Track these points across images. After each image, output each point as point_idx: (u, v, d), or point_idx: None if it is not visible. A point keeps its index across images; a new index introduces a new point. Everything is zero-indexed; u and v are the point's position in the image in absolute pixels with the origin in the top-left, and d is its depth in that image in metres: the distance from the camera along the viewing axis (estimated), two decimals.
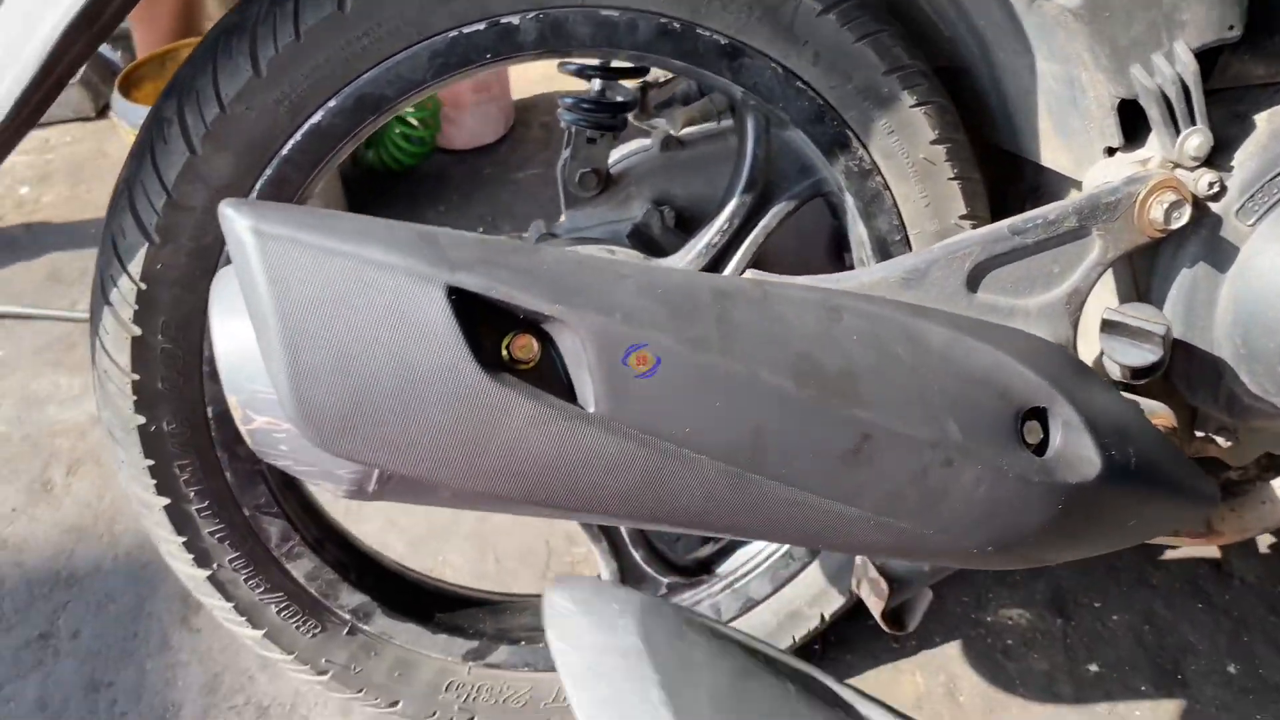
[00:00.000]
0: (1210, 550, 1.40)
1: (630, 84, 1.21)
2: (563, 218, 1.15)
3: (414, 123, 2.18)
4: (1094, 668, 1.26)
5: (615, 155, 1.21)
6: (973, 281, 0.83)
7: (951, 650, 1.29)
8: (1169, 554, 1.40)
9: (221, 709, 1.28)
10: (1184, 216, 0.83)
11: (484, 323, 0.62)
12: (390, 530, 1.49)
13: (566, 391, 0.64)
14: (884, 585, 0.99)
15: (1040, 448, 0.74)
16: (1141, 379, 0.90)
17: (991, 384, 0.72)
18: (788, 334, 0.67)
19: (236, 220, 0.59)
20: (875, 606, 1.00)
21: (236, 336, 0.64)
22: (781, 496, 0.67)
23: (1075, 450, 0.74)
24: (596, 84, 1.13)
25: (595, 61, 1.11)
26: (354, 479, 0.66)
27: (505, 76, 2.36)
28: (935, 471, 0.69)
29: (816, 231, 1.16)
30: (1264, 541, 1.41)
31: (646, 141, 1.21)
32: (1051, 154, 0.98)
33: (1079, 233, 0.84)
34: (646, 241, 1.10)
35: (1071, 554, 0.81)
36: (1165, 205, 0.83)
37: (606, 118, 1.12)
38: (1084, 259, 0.85)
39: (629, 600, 0.49)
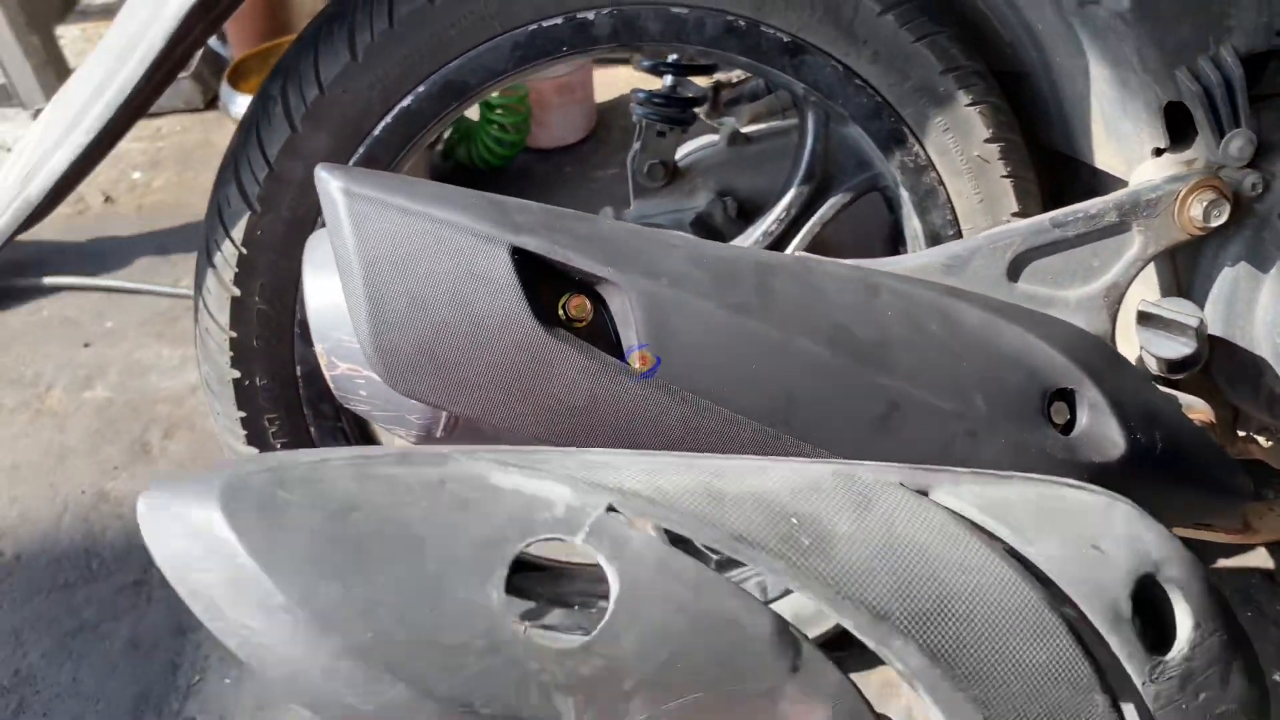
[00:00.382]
0: (1264, 559, 1.40)
1: (702, 82, 1.27)
2: (631, 207, 1.22)
3: (507, 125, 2.27)
4: None
5: (683, 150, 1.27)
6: (1014, 271, 0.87)
7: None
8: (1221, 562, 1.40)
9: None
10: (1223, 215, 0.86)
11: (543, 283, 0.68)
12: None
13: (615, 349, 0.70)
14: None
15: (1067, 428, 0.78)
16: (1179, 373, 0.93)
17: (1020, 364, 0.76)
18: (825, 305, 0.72)
19: (330, 181, 0.66)
20: None
21: (325, 291, 0.72)
22: (811, 458, 0.72)
23: (1100, 431, 0.77)
24: (668, 80, 1.19)
25: (669, 59, 1.17)
26: (423, 424, 0.73)
27: (589, 79, 2.43)
28: (960, 442, 0.73)
29: (874, 225, 1.20)
30: None
31: (714, 137, 1.27)
32: (1104, 156, 1.01)
33: (1119, 228, 0.87)
34: (709, 229, 1.16)
35: None
36: (1205, 203, 0.86)
37: (676, 112, 1.18)
38: (1124, 254, 0.88)
39: (211, 484, 0.47)
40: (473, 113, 2.24)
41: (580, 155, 2.44)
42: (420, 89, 0.94)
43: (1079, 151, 1.05)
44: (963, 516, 0.54)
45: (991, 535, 0.54)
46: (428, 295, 0.65)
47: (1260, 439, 1.01)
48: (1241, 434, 1.02)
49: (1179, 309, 0.85)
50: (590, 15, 0.93)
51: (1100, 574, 0.54)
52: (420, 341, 0.66)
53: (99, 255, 2.20)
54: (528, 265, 0.67)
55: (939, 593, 0.51)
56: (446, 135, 2.33)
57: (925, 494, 0.54)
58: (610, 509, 0.49)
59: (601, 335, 0.70)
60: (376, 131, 0.95)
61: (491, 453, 0.51)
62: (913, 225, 1.05)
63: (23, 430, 1.76)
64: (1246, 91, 0.86)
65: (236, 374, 1.01)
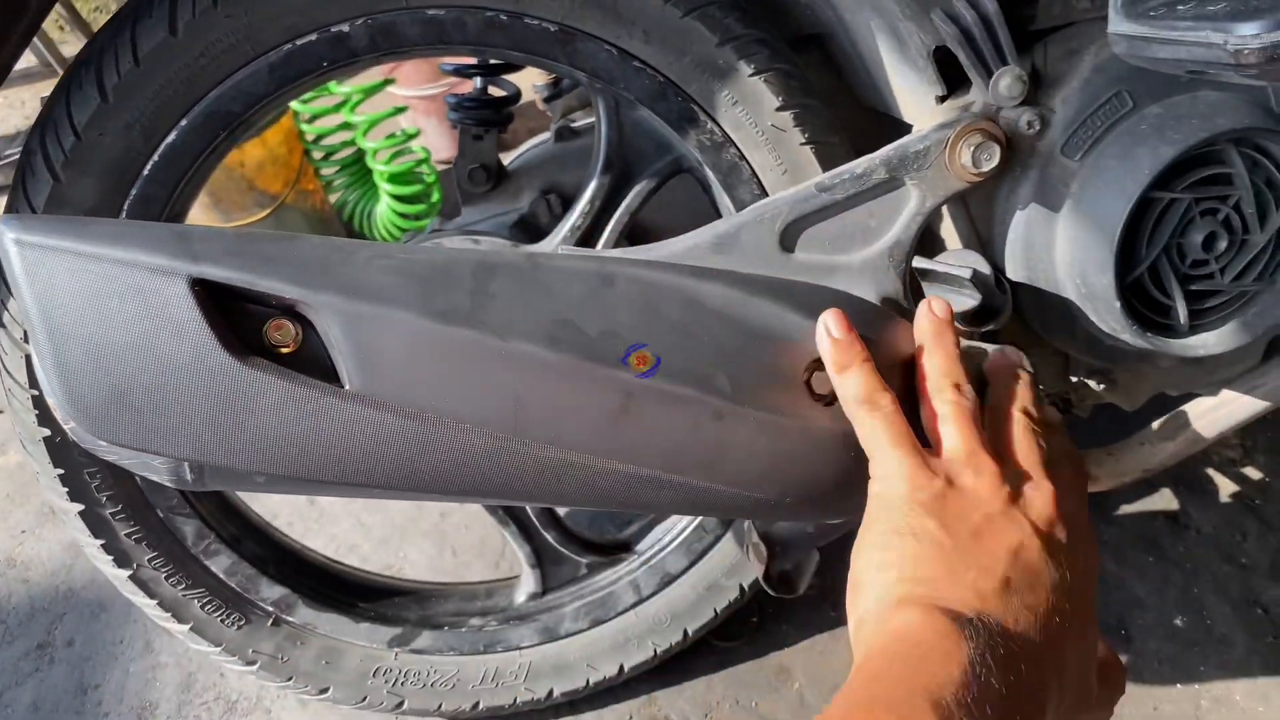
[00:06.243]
0: (1168, 502, 1.36)
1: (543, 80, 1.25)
2: (461, 214, 1.19)
3: (406, 202, 2.15)
4: None
5: (517, 151, 1.25)
6: (787, 241, 0.84)
7: None
8: (1123, 509, 1.36)
9: (194, 705, 1.35)
10: (994, 158, 0.83)
11: (245, 312, 0.66)
12: (358, 530, 1.55)
13: (331, 372, 0.67)
14: (764, 549, 1.00)
15: (834, 398, 0.75)
16: (984, 325, 0.90)
17: (771, 338, 0.73)
18: (548, 302, 0.69)
19: (3, 234, 0.64)
20: (758, 570, 1.01)
21: None
22: (560, 459, 0.69)
23: None
24: (479, 82, 1.17)
25: (472, 60, 1.15)
26: (169, 469, 0.71)
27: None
28: (707, 425, 0.70)
29: (705, 205, 1.17)
30: (1225, 490, 1.37)
31: (546, 135, 1.25)
32: (905, 109, 0.98)
33: (892, 184, 0.84)
34: (532, 230, 1.13)
35: None
36: (973, 148, 0.83)
37: (490, 114, 1.15)
38: (901, 210, 0.85)
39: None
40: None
41: None
42: (183, 123, 0.92)
43: (888, 107, 1.02)
44: None
45: None
46: (110, 340, 0.63)
47: (1091, 382, 0.97)
48: (1074, 380, 0.98)
49: (952, 261, 0.82)
50: (345, 28, 0.90)
51: None
52: (113, 389, 0.64)
53: None
54: (223, 296, 0.65)
55: None
56: (338, 200, 2.23)
57: None
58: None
59: (315, 359, 0.68)
60: (145, 172, 0.93)
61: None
62: (724, 202, 1.03)
63: None
64: (1007, 28, 0.83)
65: (46, 432, 0.99)
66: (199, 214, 1.96)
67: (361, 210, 2.21)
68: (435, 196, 2.18)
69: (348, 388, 0.66)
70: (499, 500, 0.75)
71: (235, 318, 0.66)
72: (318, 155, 2.12)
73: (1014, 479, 0.64)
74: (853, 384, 0.69)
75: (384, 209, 2.15)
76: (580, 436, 0.69)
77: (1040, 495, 0.63)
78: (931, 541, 0.60)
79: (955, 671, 0.51)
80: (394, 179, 2.09)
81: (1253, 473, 1.38)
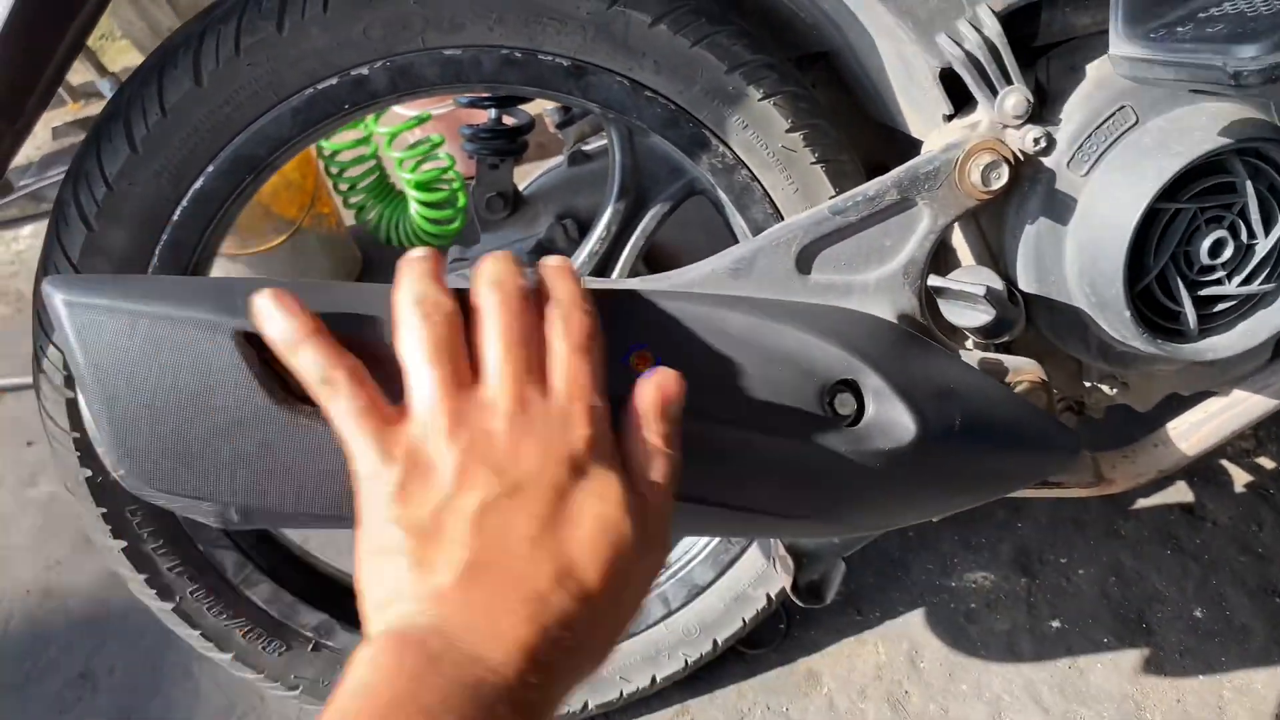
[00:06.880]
0: (1184, 495, 1.38)
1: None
2: (480, 242, 1.22)
3: (435, 208, 2.18)
4: (1056, 624, 1.26)
5: (532, 176, 1.27)
6: (803, 263, 0.86)
7: (914, 618, 1.30)
8: (1140, 503, 1.38)
9: None
10: (1003, 176, 0.85)
11: None
12: None
13: None
14: (790, 561, 1.03)
15: (856, 418, 0.77)
16: (997, 338, 0.92)
17: (791, 362, 0.75)
18: None
19: (53, 295, 0.66)
20: (785, 581, 1.04)
21: None
22: None
23: (887, 417, 0.76)
24: (493, 112, 1.19)
25: (485, 93, 1.17)
26: (216, 512, 0.73)
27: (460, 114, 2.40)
28: (736, 449, 0.73)
29: (722, 226, 1.19)
30: (1239, 481, 1.39)
31: (560, 159, 1.27)
32: (914, 126, 1.00)
33: (904, 204, 0.86)
34: (549, 255, 1.15)
35: (912, 515, 0.83)
36: (982, 167, 0.85)
37: (504, 144, 1.18)
38: (914, 230, 0.87)
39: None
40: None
41: None
42: (210, 169, 0.94)
43: (897, 123, 1.04)
44: None
45: None
46: (160, 394, 0.66)
47: (1104, 387, 0.99)
48: (1087, 384, 1.00)
49: (965, 278, 0.84)
50: (365, 70, 0.93)
51: None
52: (163, 440, 0.66)
53: None
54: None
55: None
56: (360, 217, 2.25)
57: None
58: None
59: None
60: (175, 217, 0.95)
61: None
62: (738, 222, 1.05)
63: None
64: (1010, 48, 0.85)
65: (88, 473, 1.02)
66: None
67: (389, 223, 2.24)
68: (461, 201, 2.21)
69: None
70: None
71: (280, 365, 0.68)
72: (335, 171, 2.15)
73: (502, 419, 0.54)
74: (307, 364, 0.59)
75: (414, 217, 2.19)
76: None
77: (535, 438, 0.53)
78: (394, 552, 0.52)
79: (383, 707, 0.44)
80: (421, 186, 2.13)
81: (1267, 463, 1.41)
